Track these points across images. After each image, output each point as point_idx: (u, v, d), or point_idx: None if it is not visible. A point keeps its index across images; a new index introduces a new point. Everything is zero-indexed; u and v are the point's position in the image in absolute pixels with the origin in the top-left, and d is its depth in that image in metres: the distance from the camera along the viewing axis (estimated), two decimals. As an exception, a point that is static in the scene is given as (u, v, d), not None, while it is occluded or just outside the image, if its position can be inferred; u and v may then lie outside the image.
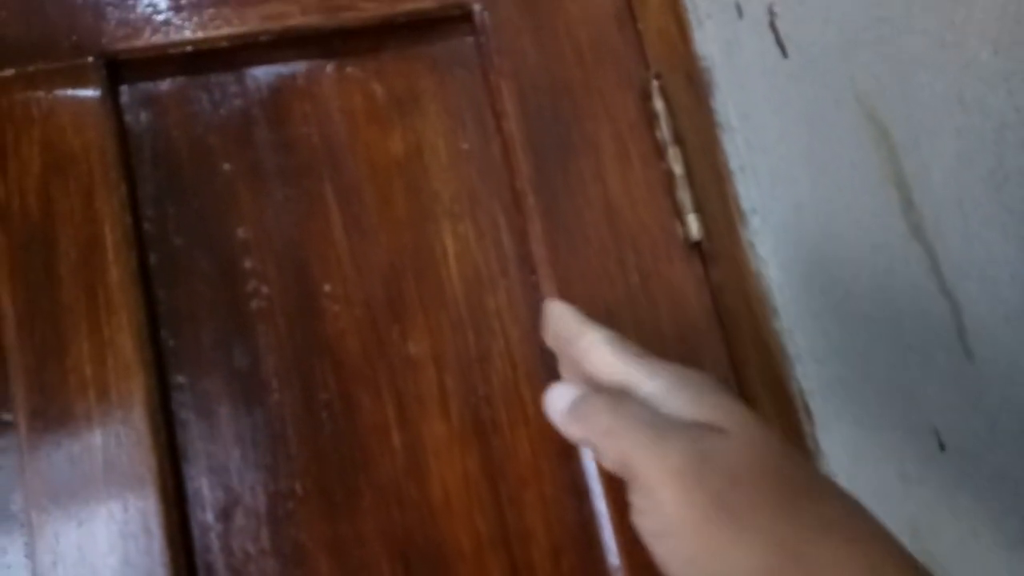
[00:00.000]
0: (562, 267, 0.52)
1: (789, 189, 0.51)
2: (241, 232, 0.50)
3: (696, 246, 0.53)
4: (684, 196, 0.53)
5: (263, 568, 0.46)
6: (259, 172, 0.51)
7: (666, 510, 0.27)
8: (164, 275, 0.49)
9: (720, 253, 0.54)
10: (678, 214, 0.53)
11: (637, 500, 0.28)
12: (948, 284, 0.38)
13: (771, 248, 0.54)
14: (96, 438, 0.44)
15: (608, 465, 0.30)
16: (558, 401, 0.33)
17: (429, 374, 0.50)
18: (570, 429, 0.33)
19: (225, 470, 0.47)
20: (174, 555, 0.43)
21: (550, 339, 0.37)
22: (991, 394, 0.37)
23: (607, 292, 0.52)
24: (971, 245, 0.36)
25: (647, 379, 0.31)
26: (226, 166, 0.51)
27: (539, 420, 0.50)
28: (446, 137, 0.54)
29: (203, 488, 0.46)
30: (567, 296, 0.51)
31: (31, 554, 0.42)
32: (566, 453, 0.50)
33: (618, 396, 0.31)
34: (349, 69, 0.54)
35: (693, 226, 0.53)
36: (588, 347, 0.33)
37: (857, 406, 0.48)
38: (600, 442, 0.30)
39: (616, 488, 0.49)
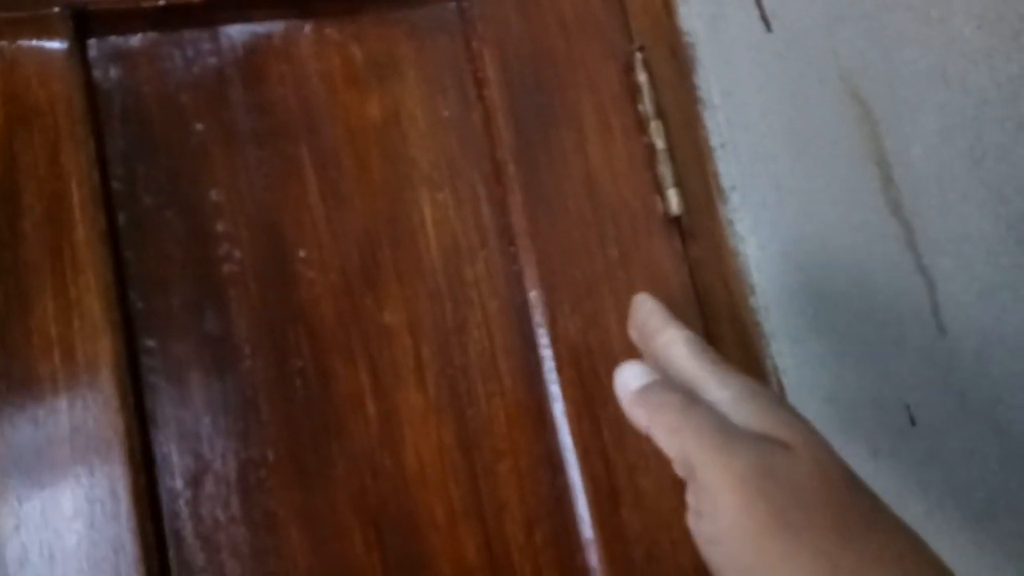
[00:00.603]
0: (541, 239, 0.51)
1: (769, 166, 0.51)
2: (214, 194, 0.49)
3: (675, 221, 0.53)
4: (665, 170, 0.53)
5: (233, 536, 0.45)
6: (233, 133, 0.50)
7: (725, 517, 0.27)
8: (133, 236, 0.47)
9: (699, 230, 0.54)
10: (658, 189, 0.53)
11: (696, 503, 0.28)
12: (924, 261, 0.39)
13: (750, 226, 0.54)
14: (61, 401, 0.43)
15: (670, 458, 0.30)
16: (630, 380, 0.33)
17: (405, 343, 0.50)
18: (635, 411, 0.33)
19: (195, 436, 0.46)
20: (141, 521, 0.42)
21: (633, 331, 0.37)
22: (962, 370, 0.38)
23: (586, 265, 0.52)
24: (948, 221, 0.37)
25: (718, 386, 0.31)
26: (199, 126, 0.49)
27: (515, 392, 0.50)
28: (425, 104, 0.53)
29: (172, 454, 0.45)
30: (546, 268, 0.51)
31: (-9, 518, 0.41)
32: (541, 426, 0.50)
33: (690, 395, 0.31)
34: (327, 31, 0.53)
35: (673, 200, 0.53)
36: (667, 344, 0.34)
37: (831, 383, 0.49)
38: (665, 437, 0.30)
39: (591, 461, 0.49)
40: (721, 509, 0.27)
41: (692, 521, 0.29)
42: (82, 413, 0.43)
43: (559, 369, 0.50)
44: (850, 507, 0.28)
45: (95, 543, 0.42)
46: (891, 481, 0.45)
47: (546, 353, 0.50)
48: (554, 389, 0.50)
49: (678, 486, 0.51)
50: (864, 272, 0.43)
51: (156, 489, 0.44)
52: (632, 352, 0.52)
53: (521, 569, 0.48)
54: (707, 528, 0.28)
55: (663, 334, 0.34)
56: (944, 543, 0.41)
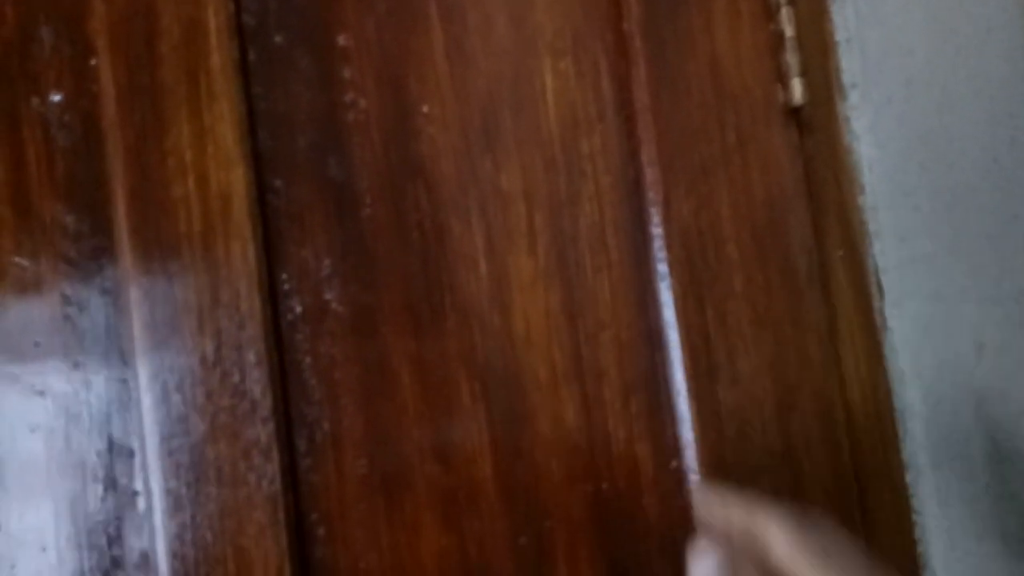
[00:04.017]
0: (662, 117, 0.51)
1: (901, 61, 0.50)
2: (342, 39, 0.48)
3: (794, 113, 0.53)
4: (792, 59, 0.52)
5: (348, 374, 0.46)
6: (363, -21, 0.49)
7: None
8: (263, 72, 0.47)
9: (816, 123, 0.53)
10: (781, 78, 0.53)
11: None
12: (1079, 150, 0.38)
13: (867, 124, 0.53)
14: (194, 226, 0.44)
15: None
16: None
17: (519, 209, 0.50)
18: None
19: (315, 276, 0.47)
20: (267, 347, 0.44)
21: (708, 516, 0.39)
22: (1103, 261, 0.38)
23: (703, 148, 0.52)
24: (1117, 109, 0.36)
25: None
26: (330, -33, 0.48)
27: (621, 266, 0.51)
28: (554, -30, 0.52)
29: (293, 291, 0.46)
30: (664, 147, 0.51)
31: (128, 323, 0.42)
32: (644, 301, 0.51)
33: None
34: None
35: (796, 91, 0.52)
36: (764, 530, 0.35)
37: (937, 280, 0.49)
38: None
39: (692, 340, 0.50)
40: None
41: None
42: (212, 238, 0.44)
43: (668, 248, 0.50)
44: None
45: (223, 364, 0.43)
46: (994, 376, 0.46)
47: (656, 231, 0.51)
48: (661, 268, 0.51)
49: (772, 370, 0.52)
50: (1002, 164, 0.43)
51: (279, 321, 0.46)
52: (744, 239, 0.52)
53: (616, 434, 0.49)
54: None
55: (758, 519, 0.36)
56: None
